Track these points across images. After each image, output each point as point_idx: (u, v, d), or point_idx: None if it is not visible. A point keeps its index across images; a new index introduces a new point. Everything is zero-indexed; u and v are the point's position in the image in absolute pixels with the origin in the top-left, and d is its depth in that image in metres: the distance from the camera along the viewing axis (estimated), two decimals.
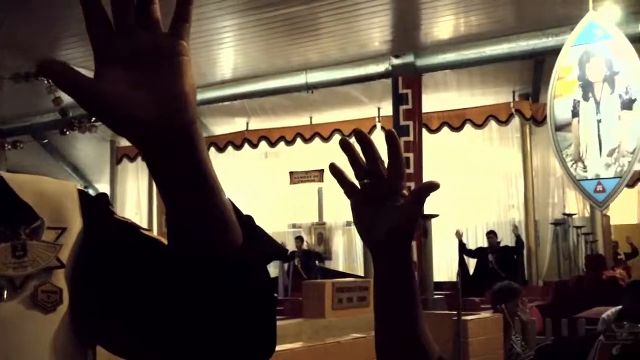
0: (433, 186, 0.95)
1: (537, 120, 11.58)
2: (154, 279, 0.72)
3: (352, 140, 1.00)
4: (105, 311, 0.74)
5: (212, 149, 14.41)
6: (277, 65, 11.72)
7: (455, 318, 4.87)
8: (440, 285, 10.15)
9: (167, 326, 0.72)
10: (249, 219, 0.79)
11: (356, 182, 0.97)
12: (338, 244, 15.10)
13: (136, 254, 0.76)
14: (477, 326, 5.05)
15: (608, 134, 7.76)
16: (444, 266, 12.73)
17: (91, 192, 1.40)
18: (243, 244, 0.74)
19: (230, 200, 0.76)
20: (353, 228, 8.03)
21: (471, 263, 11.85)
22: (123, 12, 0.64)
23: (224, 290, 0.71)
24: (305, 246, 13.65)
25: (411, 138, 10.94)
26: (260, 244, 0.78)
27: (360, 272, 12.49)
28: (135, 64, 0.64)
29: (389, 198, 0.94)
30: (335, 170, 0.96)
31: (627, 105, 7.66)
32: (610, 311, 5.46)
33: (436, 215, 7.41)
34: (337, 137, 13.17)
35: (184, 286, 0.70)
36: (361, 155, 0.96)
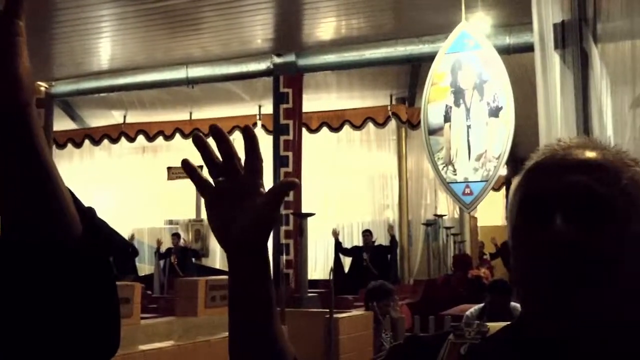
0: (291, 184, 0.92)
1: (413, 123, 11.96)
2: None
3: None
4: None
5: (87, 142, 13.96)
6: (157, 58, 11.49)
7: (328, 316, 4.95)
8: (315, 284, 10.29)
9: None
10: (91, 211, 0.77)
11: (211, 180, 0.92)
12: (215, 241, 14.94)
13: None
14: (348, 324, 5.16)
15: (476, 139, 8.13)
16: (321, 264, 12.92)
17: None
18: (82, 236, 0.72)
19: (70, 190, 0.74)
20: None
21: (347, 261, 12.08)
22: None
23: (60, 281, 0.69)
24: (182, 243, 13.46)
25: (291, 137, 11.04)
26: (101, 236, 0.75)
27: None
28: None
29: (245, 196, 0.90)
30: (188, 167, 0.90)
31: (494, 112, 8.06)
32: (473, 308, 5.74)
33: (312, 214, 7.52)
34: None
35: (18, 277, 0.68)
36: (217, 152, 0.92)
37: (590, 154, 0.87)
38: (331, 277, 5.49)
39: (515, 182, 0.92)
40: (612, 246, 0.81)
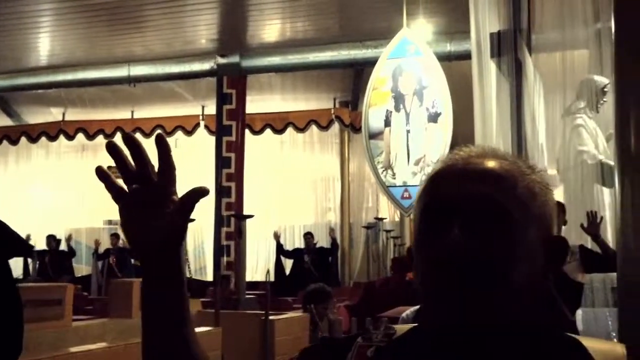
0: (202, 192, 0.93)
1: (356, 127, 12.04)
2: None
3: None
4: None
5: (24, 139, 13.64)
6: (98, 56, 11.31)
7: (263, 318, 4.96)
8: (256, 286, 10.27)
9: None
10: None
11: (125, 187, 0.93)
12: None
13: None
14: (284, 325, 5.17)
15: (415, 144, 8.26)
16: (262, 266, 12.89)
17: None
18: None
19: None
20: None
21: (288, 263, 12.09)
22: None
23: None
24: (120, 244, 13.25)
25: (234, 138, 11.01)
26: None
27: None
28: None
29: (157, 204, 0.91)
30: (101, 173, 0.92)
31: (433, 118, 8.21)
32: (409, 310, 5.80)
33: (251, 216, 7.50)
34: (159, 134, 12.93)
35: None
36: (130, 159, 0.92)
37: (488, 164, 0.91)
38: (268, 279, 5.50)
39: (419, 189, 0.95)
40: (506, 252, 0.85)
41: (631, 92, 3.39)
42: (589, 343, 0.91)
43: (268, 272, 5.60)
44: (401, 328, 0.98)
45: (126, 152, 0.93)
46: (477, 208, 0.86)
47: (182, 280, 0.96)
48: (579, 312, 5.53)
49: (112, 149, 0.91)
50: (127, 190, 0.93)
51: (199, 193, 0.92)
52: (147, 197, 0.91)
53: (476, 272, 0.84)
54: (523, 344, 0.88)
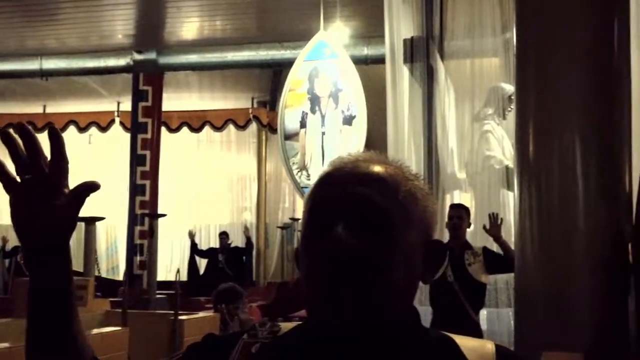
0: (93, 187, 0.93)
1: (273, 127, 12.04)
2: None
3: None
4: None
5: None
6: (8, 47, 10.92)
7: (172, 318, 4.92)
8: (169, 285, 10.12)
9: None
10: None
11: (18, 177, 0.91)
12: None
13: None
14: (193, 325, 5.13)
15: (330, 146, 8.33)
16: (177, 266, 12.71)
17: None
18: None
19: None
20: (83, 225, 7.77)
21: (203, 263, 11.97)
22: None
23: None
24: None
25: (149, 136, 10.86)
26: None
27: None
28: None
29: (48, 196, 0.90)
30: None
31: (348, 121, 8.30)
32: None
33: (163, 215, 7.42)
34: (72, 129, 12.64)
35: None
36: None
37: (373, 168, 0.94)
38: (178, 278, 5.45)
39: (309, 191, 0.98)
40: (386, 253, 0.89)
41: (530, 101, 3.54)
42: (461, 340, 0.96)
43: (178, 271, 5.55)
44: (286, 326, 1.00)
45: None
46: (360, 209, 0.90)
47: (68, 273, 0.96)
48: (483, 312, 5.69)
49: (5, 137, 0.91)
50: (18, 181, 0.92)
51: (89, 187, 0.93)
52: (37, 188, 0.91)
53: (357, 271, 0.87)
54: (400, 342, 0.91)
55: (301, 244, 0.94)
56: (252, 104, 12.62)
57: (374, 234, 0.89)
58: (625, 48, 3.46)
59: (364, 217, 0.89)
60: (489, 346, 0.96)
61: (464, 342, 0.96)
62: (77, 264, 14.16)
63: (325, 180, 0.95)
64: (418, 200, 0.95)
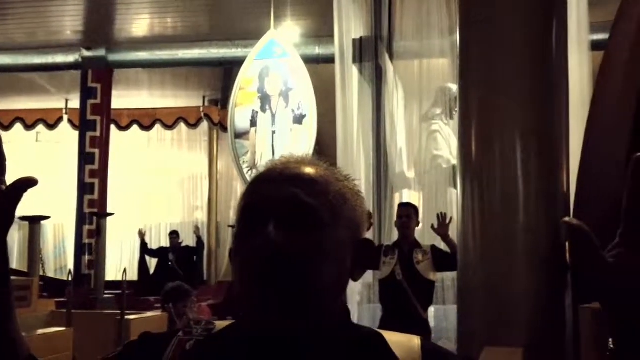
0: (30, 182, 0.92)
1: (224, 126, 11.95)
2: None
3: None
4: None
5: None
6: None
7: (119, 318, 4.88)
8: (118, 285, 9.99)
9: None
10: None
11: None
12: (11, 240, 14.10)
13: None
14: (140, 325, 5.08)
15: (281, 144, 8.33)
16: (126, 265, 12.56)
17: None
18: None
19: None
20: (26, 223, 7.63)
21: (153, 263, 11.86)
22: None
23: None
24: None
25: (98, 133, 10.70)
26: None
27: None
28: None
29: None
30: None
31: (298, 119, 8.31)
32: None
33: (111, 214, 7.33)
34: (18, 126, 12.39)
35: None
36: None
37: (304, 169, 0.96)
38: (124, 278, 5.40)
39: (242, 192, 0.99)
40: (316, 251, 0.91)
41: (473, 102, 3.62)
42: (389, 336, 0.99)
43: (125, 271, 5.49)
44: (221, 324, 1.01)
45: None
46: (290, 208, 0.91)
47: (5, 273, 0.96)
48: (432, 309, 5.77)
49: None
50: None
51: (26, 183, 0.92)
52: None
53: (287, 270, 0.89)
54: (327, 339, 0.93)
55: (234, 242, 0.96)
56: (204, 102, 12.53)
57: (304, 233, 0.91)
58: (563, 51, 3.56)
59: (294, 216, 0.91)
60: (415, 341, 0.98)
61: (392, 337, 0.98)
62: (23, 264, 13.92)
63: (258, 180, 0.97)
64: (347, 200, 0.97)
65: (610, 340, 0.76)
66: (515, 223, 3.38)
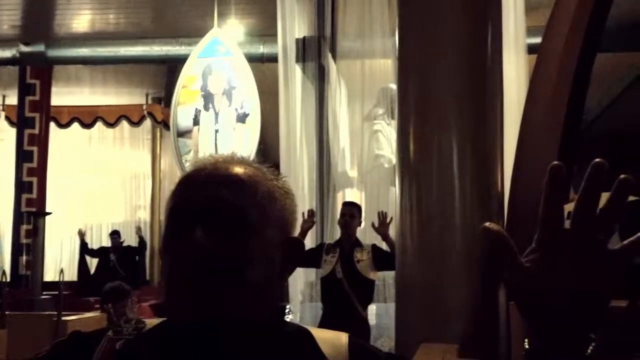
0: None
1: (168, 124, 11.83)
2: None
3: None
4: None
5: None
6: None
7: (55, 319, 4.78)
8: (57, 286, 9.81)
9: None
10: None
11: None
12: None
13: None
14: (78, 326, 4.98)
15: (224, 143, 8.28)
16: (66, 266, 12.33)
17: None
18: None
19: None
20: None
21: (94, 263, 11.67)
22: None
23: None
24: None
25: (37, 131, 10.48)
26: None
27: None
28: None
29: None
30: None
31: (242, 118, 8.28)
32: None
33: (49, 213, 7.18)
34: None
35: None
36: None
37: (233, 169, 0.96)
38: (62, 279, 5.31)
39: (171, 191, 0.99)
40: (244, 253, 0.92)
41: (410, 103, 3.68)
42: (317, 333, 1.01)
43: (62, 271, 5.40)
44: (152, 322, 1.01)
45: None
46: (218, 211, 0.92)
47: None
48: (372, 307, 5.83)
49: None
50: None
51: None
52: None
53: (214, 272, 0.89)
54: (257, 337, 0.94)
55: (162, 244, 0.96)
56: (147, 100, 12.36)
57: (232, 235, 0.91)
58: (498, 54, 3.65)
59: (222, 218, 0.92)
60: (343, 338, 1.00)
61: (320, 334, 1.00)
62: None
63: (185, 182, 0.97)
64: (276, 199, 0.98)
65: (526, 340, 0.79)
66: (451, 222, 3.45)
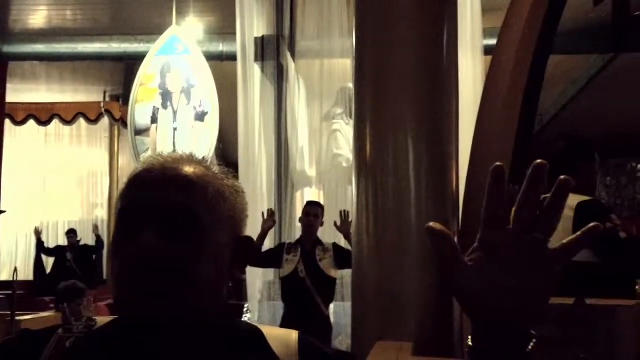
0: None
1: (126, 122, 11.71)
2: None
3: None
4: None
5: None
6: None
7: (9, 318, 4.72)
8: (11, 285, 9.64)
9: None
10: None
11: None
12: None
13: None
14: (32, 326, 4.92)
15: (182, 142, 8.21)
16: (21, 265, 12.14)
17: None
18: None
19: None
20: None
21: (50, 262, 11.51)
22: None
23: None
24: None
25: None
26: None
27: None
28: None
29: None
30: None
31: (200, 117, 8.22)
32: None
33: (3, 212, 7.06)
34: None
35: None
36: None
37: (182, 170, 0.96)
38: (15, 278, 5.24)
39: (120, 191, 0.99)
40: (194, 254, 0.92)
41: (367, 102, 3.70)
42: (268, 331, 1.02)
43: (15, 270, 5.33)
44: (102, 320, 1.02)
45: None
46: (167, 212, 0.92)
47: None
48: (332, 306, 5.86)
49: None
50: None
51: None
52: None
53: (164, 272, 0.90)
54: (205, 336, 0.95)
55: (112, 246, 0.96)
56: (104, 98, 12.20)
57: (182, 236, 0.92)
58: (453, 55, 3.69)
59: (171, 220, 0.92)
60: (293, 336, 1.02)
61: (270, 332, 1.02)
62: None
63: (134, 182, 0.97)
64: (226, 199, 0.98)
65: (469, 337, 0.81)
66: (407, 221, 3.48)
